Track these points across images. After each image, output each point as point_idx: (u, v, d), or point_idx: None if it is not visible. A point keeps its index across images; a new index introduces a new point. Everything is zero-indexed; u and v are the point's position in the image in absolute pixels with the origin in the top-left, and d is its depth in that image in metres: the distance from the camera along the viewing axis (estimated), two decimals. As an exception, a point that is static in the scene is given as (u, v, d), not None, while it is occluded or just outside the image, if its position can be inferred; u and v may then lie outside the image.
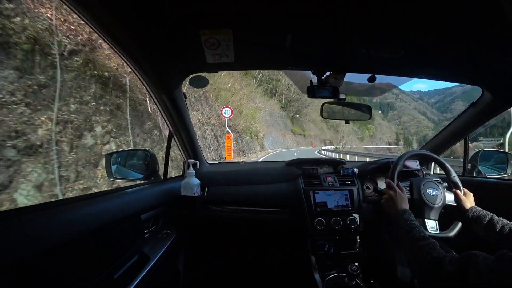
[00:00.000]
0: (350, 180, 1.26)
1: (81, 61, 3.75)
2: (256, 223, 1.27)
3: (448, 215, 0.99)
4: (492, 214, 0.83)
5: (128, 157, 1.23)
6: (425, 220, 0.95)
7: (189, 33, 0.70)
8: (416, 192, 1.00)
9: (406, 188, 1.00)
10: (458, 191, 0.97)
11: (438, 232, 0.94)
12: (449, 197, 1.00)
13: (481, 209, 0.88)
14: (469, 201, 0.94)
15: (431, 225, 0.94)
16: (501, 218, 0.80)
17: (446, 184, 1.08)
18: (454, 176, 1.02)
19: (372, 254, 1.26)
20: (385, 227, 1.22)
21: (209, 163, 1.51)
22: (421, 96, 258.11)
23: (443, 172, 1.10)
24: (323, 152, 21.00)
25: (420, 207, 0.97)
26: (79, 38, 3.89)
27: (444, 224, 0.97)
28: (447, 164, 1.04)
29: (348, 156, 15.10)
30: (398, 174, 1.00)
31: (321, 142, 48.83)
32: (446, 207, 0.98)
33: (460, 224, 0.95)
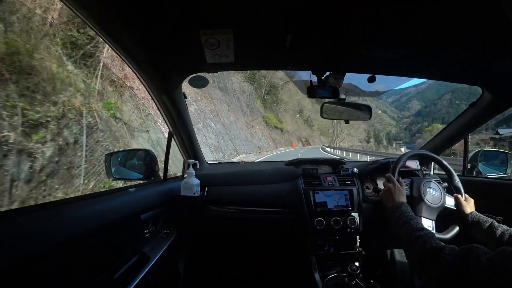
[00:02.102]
0: (350, 180, 1.26)
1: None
2: (256, 223, 1.27)
3: (447, 218, 0.98)
4: (492, 220, 0.83)
5: (128, 157, 1.23)
6: (422, 218, 0.94)
7: (189, 33, 0.70)
8: (416, 190, 1.00)
9: (406, 185, 1.00)
10: (459, 196, 0.97)
11: (434, 232, 0.93)
12: (449, 201, 0.99)
13: (481, 215, 0.88)
14: (469, 206, 0.94)
15: (427, 224, 0.94)
16: (501, 224, 0.80)
17: (446, 184, 1.08)
18: (457, 181, 1.02)
19: (372, 254, 1.26)
20: (385, 226, 1.22)
21: (209, 163, 1.51)
22: (379, 96, 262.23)
23: (442, 172, 1.10)
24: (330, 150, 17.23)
25: (418, 205, 0.96)
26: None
27: (441, 226, 0.97)
28: (450, 168, 1.04)
29: (368, 157, 13.53)
30: (399, 171, 1.00)
31: (298, 140, 38.54)
32: (445, 210, 0.98)
33: (457, 228, 0.95)
